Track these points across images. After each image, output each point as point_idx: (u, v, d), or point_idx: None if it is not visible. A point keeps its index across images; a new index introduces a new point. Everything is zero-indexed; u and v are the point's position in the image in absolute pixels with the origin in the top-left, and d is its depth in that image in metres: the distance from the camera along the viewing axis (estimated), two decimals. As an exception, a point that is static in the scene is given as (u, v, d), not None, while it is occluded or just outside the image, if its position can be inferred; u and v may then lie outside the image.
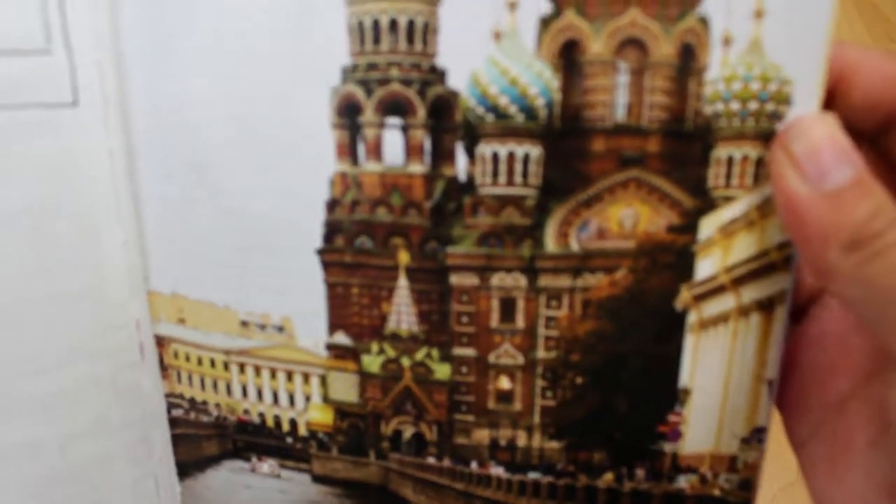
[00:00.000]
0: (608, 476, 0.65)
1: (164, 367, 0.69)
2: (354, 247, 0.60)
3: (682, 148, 0.55)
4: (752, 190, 0.56)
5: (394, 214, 0.59)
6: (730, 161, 0.55)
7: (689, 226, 0.57)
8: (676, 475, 0.64)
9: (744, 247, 0.57)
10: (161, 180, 0.62)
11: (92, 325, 0.65)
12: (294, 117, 0.57)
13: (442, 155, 0.57)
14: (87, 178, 0.60)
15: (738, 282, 0.58)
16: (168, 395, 0.70)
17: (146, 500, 0.72)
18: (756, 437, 0.62)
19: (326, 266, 0.61)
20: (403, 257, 0.59)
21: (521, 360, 0.62)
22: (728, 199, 0.56)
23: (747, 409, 0.61)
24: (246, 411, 0.68)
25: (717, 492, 0.63)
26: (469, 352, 0.62)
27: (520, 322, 0.60)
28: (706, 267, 0.58)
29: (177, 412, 0.70)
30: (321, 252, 0.60)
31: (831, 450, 0.58)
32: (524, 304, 0.60)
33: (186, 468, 0.72)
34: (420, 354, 0.62)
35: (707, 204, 0.56)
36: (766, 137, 0.54)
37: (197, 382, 0.69)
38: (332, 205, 0.59)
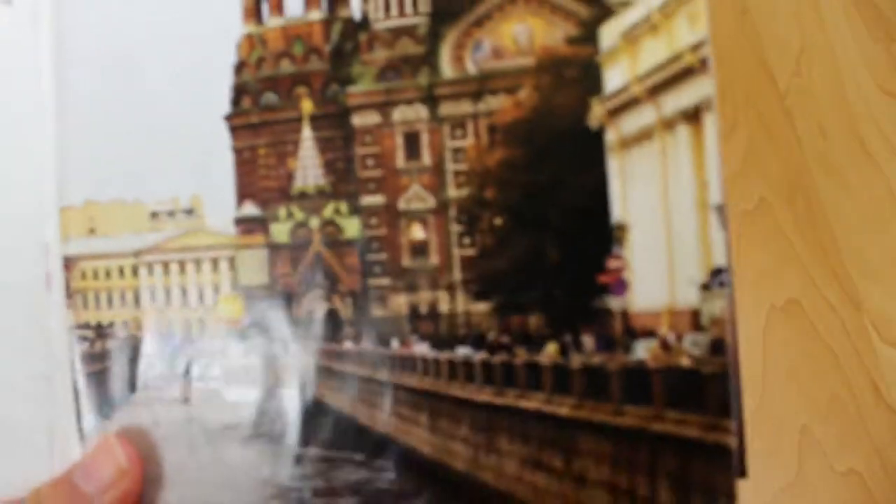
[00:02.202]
0: (551, 348, 0.58)
1: (69, 296, 0.68)
2: (260, 105, 0.63)
3: (564, -44, 0.59)
4: (649, -7, 0.58)
5: (296, 64, 0.62)
6: (620, -35, 0.59)
7: (588, 36, 0.58)
8: (632, 342, 0.56)
9: (653, 53, 0.58)
10: (84, 79, 0.67)
11: (4, 231, 0.66)
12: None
13: (337, -1, 0.62)
14: (12, 77, 0.66)
15: (655, 91, 0.58)
16: (73, 329, 0.68)
17: (38, 453, 0.66)
18: (717, 280, 0.55)
19: (234, 131, 0.63)
20: (307, 105, 0.62)
21: (432, 202, 0.60)
22: (624, 4, 0.58)
23: (699, 246, 0.55)
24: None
25: (685, 361, 0.55)
26: (378, 199, 0.61)
27: (426, 158, 0.60)
28: (615, 78, 0.59)
29: (81, 347, 0.67)
30: (229, 117, 0.63)
31: None
32: (429, 138, 0.60)
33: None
34: (328, 211, 0.61)
35: (603, 11, 0.58)
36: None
37: (104, 301, 0.67)
38: (240, 67, 0.63)
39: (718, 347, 0.54)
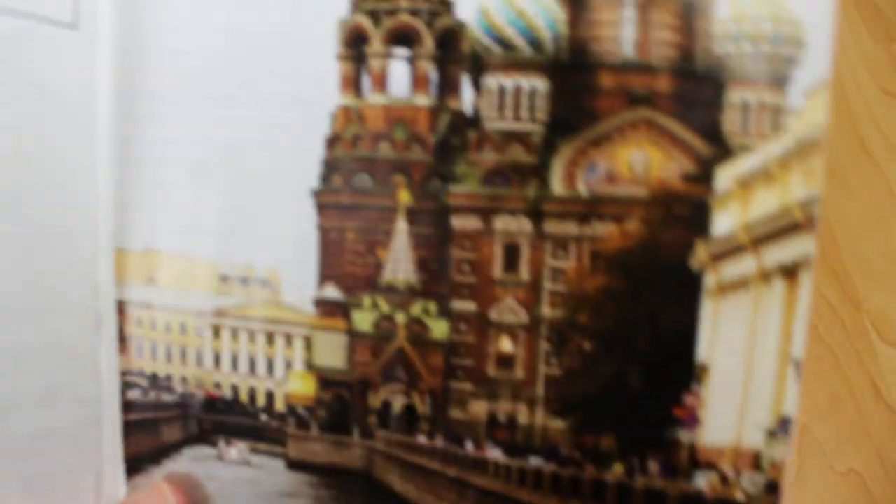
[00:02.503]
0: (618, 468, 0.61)
1: (122, 341, 0.65)
2: (353, 186, 0.59)
3: (694, 88, 0.57)
4: (771, 139, 0.56)
5: (397, 150, 0.59)
6: (745, 106, 0.57)
7: (704, 175, 0.57)
8: (694, 471, 0.59)
9: (764, 202, 0.57)
10: (155, 118, 0.61)
11: (57, 272, 0.62)
12: (299, 50, 0.58)
13: (448, 87, 0.59)
14: (73, 108, 0.60)
15: (759, 241, 0.58)
16: (124, 374, 0.65)
17: (84, 496, 0.65)
18: (783, 429, 0.58)
19: (321, 208, 0.60)
20: (404, 196, 0.59)
21: (524, 317, 0.60)
22: (745, 148, 0.56)
23: (773, 395, 0.58)
24: (217, 385, 0.64)
25: (740, 496, 0.58)
26: (469, 306, 0.60)
27: (524, 273, 0.59)
28: (724, 223, 0.58)
29: (133, 393, 0.65)
30: (317, 193, 0.59)
31: None
32: (529, 253, 0.59)
33: (139, 462, 0.66)
34: (416, 309, 0.60)
35: (723, 151, 0.57)
36: (781, 82, 0.55)
37: (162, 354, 0.65)
38: (333, 140, 0.59)
39: (773, 489, 0.59)
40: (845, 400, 0.69)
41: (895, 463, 0.66)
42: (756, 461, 0.59)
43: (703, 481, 0.60)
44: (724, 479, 0.60)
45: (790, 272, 0.57)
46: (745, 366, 0.58)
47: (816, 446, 0.68)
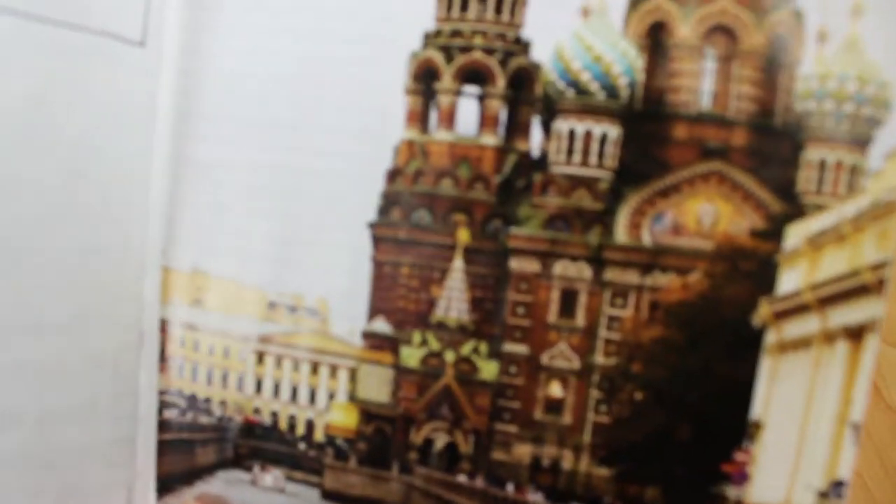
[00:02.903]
0: (661, 519, 0.60)
1: (163, 360, 0.64)
2: (411, 221, 0.59)
3: (770, 144, 0.56)
4: (846, 199, 0.55)
5: (459, 188, 0.58)
6: (822, 165, 0.56)
7: (774, 232, 0.56)
8: None
9: (833, 263, 0.56)
10: (211, 140, 0.60)
11: (104, 288, 0.61)
12: (368, 80, 0.57)
13: (517, 128, 0.58)
14: (132, 124, 0.59)
15: (825, 302, 0.57)
16: (162, 393, 0.65)
17: (116, 512, 0.65)
18: (836, 492, 0.57)
19: (377, 241, 0.59)
20: (463, 235, 0.58)
21: (577, 363, 0.59)
22: (818, 208, 0.55)
23: (827, 457, 0.57)
24: (256, 410, 0.64)
25: None
26: (521, 349, 0.59)
27: (580, 319, 0.59)
28: (790, 281, 0.57)
29: (170, 413, 0.64)
30: (374, 226, 0.59)
31: None
32: (586, 300, 0.58)
33: (170, 482, 0.65)
34: (466, 349, 0.59)
35: (795, 210, 0.56)
36: (862, 143, 0.55)
37: (203, 376, 0.64)
38: (394, 174, 0.59)
39: (820, 549, 0.58)
40: None
41: (895, 463, 0.66)
42: (807, 522, 0.58)
43: (748, 538, 0.59)
44: (769, 538, 0.59)
45: (854, 335, 0.57)
46: (801, 426, 0.58)
47: None
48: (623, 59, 0.58)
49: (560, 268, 0.60)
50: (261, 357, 0.64)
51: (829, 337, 0.58)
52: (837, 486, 0.58)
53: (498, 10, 0.58)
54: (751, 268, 0.57)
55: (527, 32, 0.58)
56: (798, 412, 0.58)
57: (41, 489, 0.62)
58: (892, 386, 0.66)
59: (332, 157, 0.59)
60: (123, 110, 0.60)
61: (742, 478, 0.60)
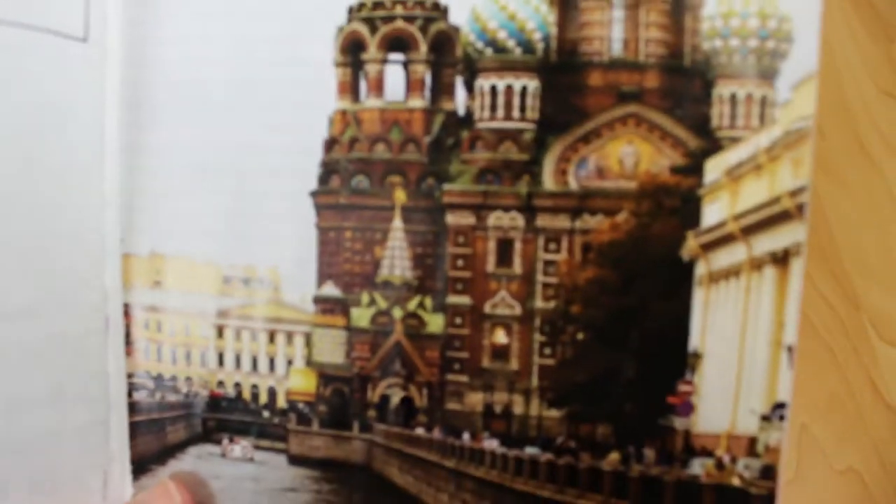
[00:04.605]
0: (614, 456, 0.63)
1: (129, 343, 0.67)
2: (350, 187, 0.62)
3: (682, 84, 0.60)
4: (759, 131, 0.58)
5: (392, 151, 0.62)
6: (733, 100, 0.59)
7: (693, 167, 0.59)
8: (689, 458, 0.61)
9: (753, 192, 0.59)
10: (158, 126, 0.64)
11: (65, 274, 0.65)
12: (298, 56, 0.61)
13: (442, 90, 0.61)
14: (83, 116, 0.63)
15: (749, 230, 0.60)
16: (130, 376, 0.68)
17: (90, 496, 0.67)
18: (777, 413, 0.60)
19: (319, 209, 0.62)
20: (400, 196, 0.61)
21: (518, 309, 0.62)
22: (734, 141, 0.59)
23: (766, 381, 0.60)
24: (220, 383, 0.66)
25: (736, 480, 0.60)
26: (464, 300, 0.62)
27: (517, 267, 0.62)
28: (713, 213, 0.60)
29: (139, 394, 0.68)
30: (315, 194, 0.62)
31: None
32: (521, 247, 0.61)
33: (144, 462, 0.68)
34: (413, 304, 0.62)
35: (712, 145, 0.59)
36: (769, 76, 0.58)
37: (167, 355, 0.67)
38: (331, 143, 0.62)
39: (769, 473, 0.60)
40: (844, 398, 0.70)
41: (894, 461, 0.68)
42: (751, 446, 0.61)
43: (699, 468, 0.61)
44: (720, 465, 0.62)
45: (780, 260, 0.60)
46: (738, 353, 0.61)
47: (815, 445, 0.69)
48: (536, 15, 0.61)
49: (494, 219, 0.63)
50: (220, 331, 0.67)
51: (756, 264, 0.60)
52: (779, 407, 0.61)
53: (415, -21, 0.62)
54: (674, 204, 0.60)
55: (443, -2, 0.62)
56: (734, 340, 0.61)
57: (14, 476, 0.65)
58: (891, 385, 0.68)
59: (271, 130, 0.63)
60: (71, 104, 0.64)
61: (687, 408, 0.62)
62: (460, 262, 0.63)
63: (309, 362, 0.66)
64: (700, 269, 0.60)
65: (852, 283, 0.72)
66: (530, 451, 0.64)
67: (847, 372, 0.70)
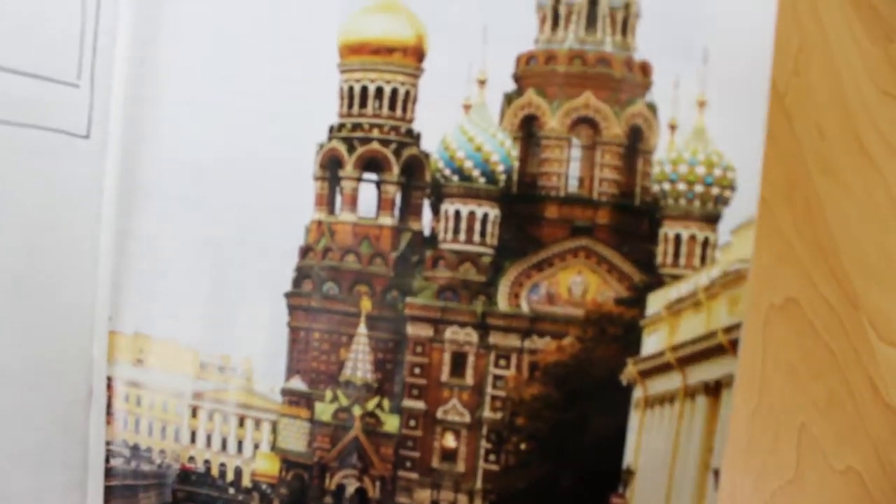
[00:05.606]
0: (547, 558, 0.67)
1: (109, 413, 0.73)
2: (321, 292, 0.67)
3: (631, 222, 0.64)
4: (700, 270, 0.62)
5: (361, 263, 0.67)
6: (677, 240, 0.64)
7: (636, 300, 0.64)
8: None
9: (690, 327, 0.64)
10: (151, 215, 0.69)
11: (57, 347, 0.70)
12: (282, 168, 0.66)
13: (410, 210, 0.66)
14: (81, 204, 0.68)
15: (684, 361, 0.64)
16: (109, 444, 0.73)
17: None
18: None
19: (292, 309, 0.68)
20: (366, 304, 0.66)
21: (468, 417, 0.67)
22: (676, 278, 0.63)
23: (694, 501, 0.63)
24: (191, 458, 0.72)
25: None
26: (419, 405, 0.67)
27: (469, 378, 0.66)
28: (652, 343, 0.64)
29: (116, 461, 0.73)
30: (289, 295, 0.67)
31: None
32: (474, 360, 0.66)
33: (119, 523, 0.74)
34: (371, 404, 0.67)
35: (655, 280, 0.64)
36: (712, 220, 0.62)
37: (144, 428, 0.73)
38: (306, 250, 0.67)
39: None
40: (843, 398, 0.72)
41: (893, 462, 0.70)
42: (675, 561, 0.65)
43: (627, 577, 0.66)
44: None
45: (713, 390, 0.64)
46: (668, 473, 0.65)
47: (815, 444, 0.71)
48: (500, 149, 0.66)
49: (450, 333, 0.68)
50: (195, 411, 0.73)
51: (689, 392, 0.65)
52: (703, 524, 0.65)
53: (392, 106, 0.67)
54: (617, 332, 0.65)
55: (417, 125, 0.67)
56: (665, 460, 0.65)
57: (-5, 532, 0.71)
58: (891, 384, 0.70)
59: (255, 233, 0.68)
60: (72, 194, 0.70)
61: (618, 520, 0.67)
62: (417, 370, 0.68)
63: (274, 447, 0.71)
64: (637, 393, 0.65)
65: (852, 283, 0.74)
66: (472, 546, 0.69)
67: (847, 372, 0.72)
